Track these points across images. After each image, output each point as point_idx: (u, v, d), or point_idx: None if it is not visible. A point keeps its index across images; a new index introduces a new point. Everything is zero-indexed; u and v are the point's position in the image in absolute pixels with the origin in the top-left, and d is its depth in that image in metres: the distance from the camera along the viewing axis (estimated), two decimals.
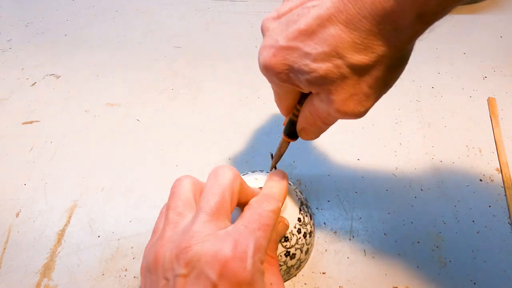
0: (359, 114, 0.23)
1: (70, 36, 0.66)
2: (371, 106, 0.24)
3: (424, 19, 0.21)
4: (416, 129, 0.47)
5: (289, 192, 0.33)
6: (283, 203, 0.28)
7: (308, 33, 0.21)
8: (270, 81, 0.25)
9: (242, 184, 0.26)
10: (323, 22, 0.20)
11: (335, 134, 0.47)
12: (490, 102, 0.50)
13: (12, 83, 0.57)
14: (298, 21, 0.21)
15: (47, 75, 0.58)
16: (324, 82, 0.22)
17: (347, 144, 0.46)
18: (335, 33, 0.20)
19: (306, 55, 0.21)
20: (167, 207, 0.26)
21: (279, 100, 0.28)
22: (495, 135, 0.46)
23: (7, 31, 0.68)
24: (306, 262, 0.35)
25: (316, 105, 0.24)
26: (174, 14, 0.71)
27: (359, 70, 0.21)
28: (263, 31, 0.24)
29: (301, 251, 0.32)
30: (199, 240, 0.22)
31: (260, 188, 0.29)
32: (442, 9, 0.20)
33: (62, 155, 0.46)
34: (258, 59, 0.24)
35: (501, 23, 0.67)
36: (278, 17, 0.23)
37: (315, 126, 0.27)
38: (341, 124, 0.48)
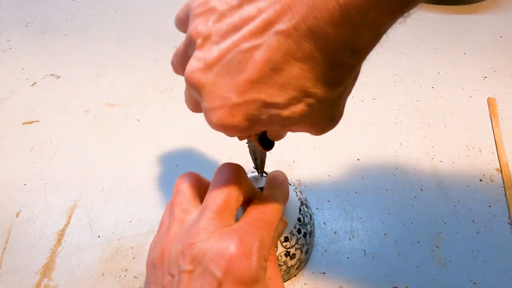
0: (331, 129, 0.24)
1: (70, 36, 0.66)
2: (340, 116, 0.24)
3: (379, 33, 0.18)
4: (416, 129, 0.47)
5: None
6: (285, 203, 0.28)
7: (263, 81, 0.18)
8: (229, 135, 0.22)
9: (248, 182, 0.26)
10: (277, 66, 0.18)
11: (335, 134, 0.47)
12: (490, 102, 0.50)
13: (12, 83, 0.57)
14: (244, 70, 0.18)
15: (47, 75, 0.58)
16: (299, 121, 0.21)
17: (347, 144, 0.45)
18: (297, 74, 0.18)
19: (272, 105, 0.19)
20: (172, 203, 0.26)
21: (239, 138, 0.27)
22: (495, 135, 0.46)
23: (7, 31, 0.68)
24: (306, 262, 0.35)
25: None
26: (174, 14, 0.71)
27: (328, 100, 0.20)
28: (197, 87, 0.21)
29: (301, 251, 0.32)
30: (205, 237, 0.22)
31: (261, 188, 0.29)
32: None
33: (62, 155, 0.46)
34: (210, 121, 0.21)
35: (501, 23, 0.67)
36: (208, 67, 0.20)
37: (286, 132, 0.26)
38: (341, 124, 0.48)
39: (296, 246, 0.31)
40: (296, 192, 0.34)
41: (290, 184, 0.34)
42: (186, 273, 0.22)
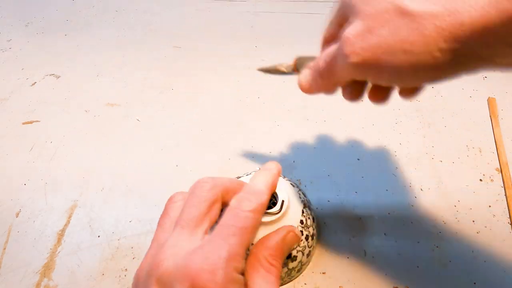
0: None
1: (70, 36, 0.66)
2: None
3: None
4: (416, 129, 0.47)
5: (292, 194, 0.32)
6: (269, 197, 0.26)
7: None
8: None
9: (228, 190, 0.25)
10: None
11: (335, 134, 0.47)
12: (490, 102, 0.50)
13: (12, 83, 0.57)
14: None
15: (47, 75, 0.58)
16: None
17: (347, 144, 0.46)
18: None
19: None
20: (158, 222, 0.25)
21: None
22: (495, 135, 0.46)
23: (7, 31, 0.68)
24: (307, 265, 0.35)
25: None
26: (174, 14, 0.71)
27: None
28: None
29: (303, 254, 0.32)
30: (171, 255, 0.21)
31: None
32: None
33: (62, 155, 0.46)
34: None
35: None
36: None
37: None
38: (341, 124, 0.48)
39: (298, 248, 0.31)
40: (300, 194, 0.34)
41: (293, 186, 0.34)
42: None
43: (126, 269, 0.35)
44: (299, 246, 0.31)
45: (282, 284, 0.34)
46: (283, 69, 0.31)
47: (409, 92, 0.26)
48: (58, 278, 0.35)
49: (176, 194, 0.26)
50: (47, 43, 0.65)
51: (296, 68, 0.30)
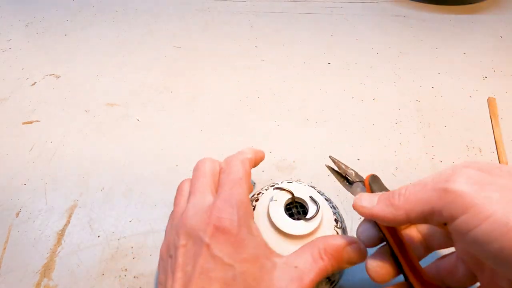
0: None
1: (70, 36, 0.66)
2: None
3: None
4: (416, 129, 0.47)
5: (324, 209, 0.30)
6: (253, 156, 0.32)
7: None
8: None
9: (220, 166, 0.32)
10: None
11: (335, 134, 0.47)
12: (490, 102, 0.50)
13: (12, 83, 0.57)
14: None
15: (47, 75, 0.58)
16: None
17: (347, 144, 0.46)
18: None
19: None
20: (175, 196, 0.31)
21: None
22: (495, 135, 0.46)
23: (7, 31, 0.68)
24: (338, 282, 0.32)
25: None
26: (174, 14, 0.71)
27: None
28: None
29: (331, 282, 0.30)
30: (192, 214, 0.26)
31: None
32: None
33: (62, 155, 0.46)
34: None
35: (501, 23, 0.67)
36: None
37: None
38: (341, 124, 0.48)
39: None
40: (333, 209, 0.31)
41: (327, 200, 0.32)
42: (181, 247, 0.25)
43: (126, 269, 0.35)
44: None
45: None
46: (352, 173, 0.28)
47: None
48: (58, 278, 0.35)
49: (183, 181, 0.32)
50: (47, 43, 0.65)
51: (367, 181, 0.26)
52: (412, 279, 0.24)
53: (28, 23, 0.70)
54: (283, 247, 0.28)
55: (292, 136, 0.47)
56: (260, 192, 0.33)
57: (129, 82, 0.56)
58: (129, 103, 0.52)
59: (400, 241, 0.25)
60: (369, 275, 0.25)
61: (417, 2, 0.73)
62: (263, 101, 0.52)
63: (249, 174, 0.30)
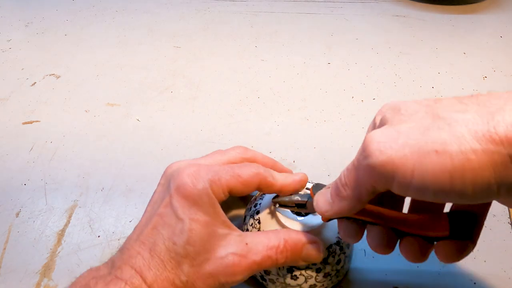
0: None
1: (70, 36, 0.66)
2: None
3: None
4: None
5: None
6: (275, 182, 0.30)
7: None
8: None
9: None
10: None
11: (335, 134, 0.47)
12: None
13: (12, 83, 0.57)
14: None
15: (47, 75, 0.58)
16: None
17: (347, 144, 0.45)
18: None
19: None
20: None
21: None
22: None
23: (7, 31, 0.68)
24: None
25: None
26: (174, 14, 0.71)
27: None
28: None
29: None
30: (184, 164, 0.29)
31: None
32: None
33: (62, 155, 0.46)
34: None
35: (501, 23, 0.67)
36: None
37: None
38: (341, 124, 0.48)
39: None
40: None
41: None
42: (160, 185, 0.30)
43: None
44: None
45: None
46: (298, 197, 0.29)
47: (451, 248, 0.24)
48: (58, 278, 0.35)
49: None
50: (47, 43, 0.65)
51: (312, 193, 0.28)
52: (409, 229, 0.25)
53: (28, 23, 0.70)
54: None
55: (292, 136, 0.47)
56: (257, 204, 0.33)
57: (129, 82, 0.56)
58: (129, 103, 0.52)
59: (373, 213, 0.25)
60: (377, 252, 0.27)
61: (417, 2, 0.73)
62: (263, 101, 0.52)
63: (247, 185, 0.29)
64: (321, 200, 0.25)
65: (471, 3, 0.73)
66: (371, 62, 0.58)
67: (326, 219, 0.27)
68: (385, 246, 0.26)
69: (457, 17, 0.69)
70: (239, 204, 0.38)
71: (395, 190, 0.20)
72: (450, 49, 0.61)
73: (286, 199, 0.30)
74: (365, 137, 0.21)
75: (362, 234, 0.27)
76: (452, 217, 0.24)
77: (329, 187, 0.26)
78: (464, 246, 0.24)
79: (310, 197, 0.29)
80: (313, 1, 0.74)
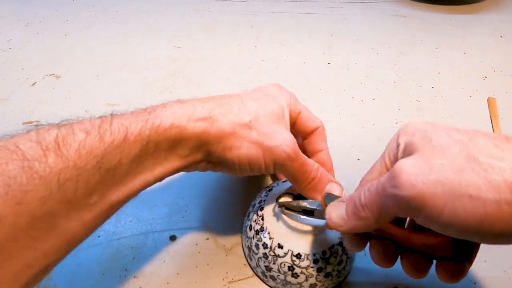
0: None
1: (70, 36, 0.66)
2: None
3: None
4: None
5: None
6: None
7: None
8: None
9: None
10: None
11: (335, 134, 0.47)
12: (490, 102, 0.50)
13: (12, 83, 0.56)
14: None
15: (47, 75, 0.58)
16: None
17: (347, 144, 0.45)
18: None
19: None
20: None
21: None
22: None
23: (7, 31, 0.68)
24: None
25: None
26: (174, 14, 0.71)
27: None
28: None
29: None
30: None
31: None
32: None
33: None
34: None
35: (501, 23, 0.67)
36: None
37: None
38: (341, 124, 0.48)
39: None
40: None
41: None
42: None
43: (126, 269, 0.35)
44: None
45: None
46: (306, 204, 0.29)
47: (452, 269, 0.24)
48: (58, 278, 0.35)
49: None
50: (47, 43, 0.65)
51: (324, 203, 0.27)
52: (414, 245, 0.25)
53: (28, 23, 0.70)
54: (303, 240, 0.30)
55: None
56: (262, 200, 0.33)
57: (129, 82, 0.56)
58: (129, 103, 0.52)
59: (381, 228, 0.25)
60: (379, 265, 0.27)
61: (417, 2, 0.74)
62: None
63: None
64: (335, 215, 0.25)
65: (471, 3, 0.73)
66: (371, 62, 0.58)
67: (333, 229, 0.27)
68: (387, 261, 0.26)
69: (457, 17, 0.69)
70: (245, 200, 0.38)
71: (419, 221, 0.21)
72: (450, 49, 0.61)
73: (294, 203, 0.30)
74: (395, 166, 0.21)
75: (366, 245, 0.27)
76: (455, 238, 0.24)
77: (342, 201, 0.26)
78: (463, 267, 0.24)
79: (320, 205, 0.29)
80: (313, 1, 0.74)
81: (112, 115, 0.25)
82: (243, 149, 0.27)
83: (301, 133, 0.33)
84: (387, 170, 0.25)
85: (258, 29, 0.66)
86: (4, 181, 0.19)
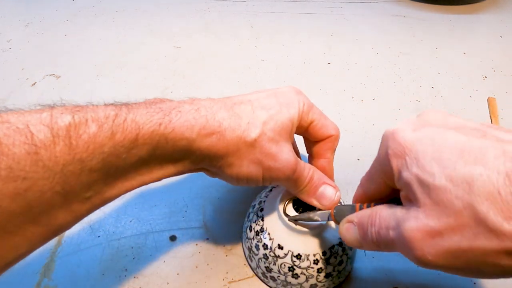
0: None
1: (70, 36, 0.66)
2: None
3: None
4: None
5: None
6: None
7: None
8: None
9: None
10: None
11: None
12: (490, 102, 0.50)
13: (12, 83, 0.56)
14: None
15: (47, 75, 0.58)
16: None
17: (347, 144, 0.45)
18: None
19: None
20: None
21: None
22: None
23: (7, 31, 0.68)
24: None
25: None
26: (174, 14, 0.71)
27: None
28: None
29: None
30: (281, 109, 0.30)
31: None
32: None
33: None
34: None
35: (501, 23, 0.67)
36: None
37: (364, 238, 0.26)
38: (341, 124, 0.48)
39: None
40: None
41: None
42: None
43: (126, 269, 0.35)
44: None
45: None
46: (318, 217, 0.29)
47: None
48: (58, 278, 0.35)
49: None
50: (47, 43, 0.65)
51: (335, 219, 0.28)
52: None
53: (28, 23, 0.70)
54: (303, 240, 0.30)
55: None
56: (262, 201, 0.33)
57: (129, 82, 0.56)
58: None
59: None
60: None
61: (417, 2, 0.74)
62: None
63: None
64: (349, 237, 0.26)
65: (471, 3, 0.73)
66: (371, 62, 0.58)
67: None
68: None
69: (457, 17, 0.69)
70: (245, 200, 0.38)
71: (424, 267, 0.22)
72: (450, 49, 0.61)
73: (304, 216, 0.30)
74: (406, 233, 0.21)
75: None
76: None
77: (353, 224, 0.26)
78: None
79: (330, 217, 0.29)
80: (313, 1, 0.74)
81: (127, 106, 0.24)
82: (244, 167, 0.27)
83: (313, 138, 0.33)
84: (386, 186, 0.26)
85: (258, 29, 0.66)
86: (8, 163, 0.19)
